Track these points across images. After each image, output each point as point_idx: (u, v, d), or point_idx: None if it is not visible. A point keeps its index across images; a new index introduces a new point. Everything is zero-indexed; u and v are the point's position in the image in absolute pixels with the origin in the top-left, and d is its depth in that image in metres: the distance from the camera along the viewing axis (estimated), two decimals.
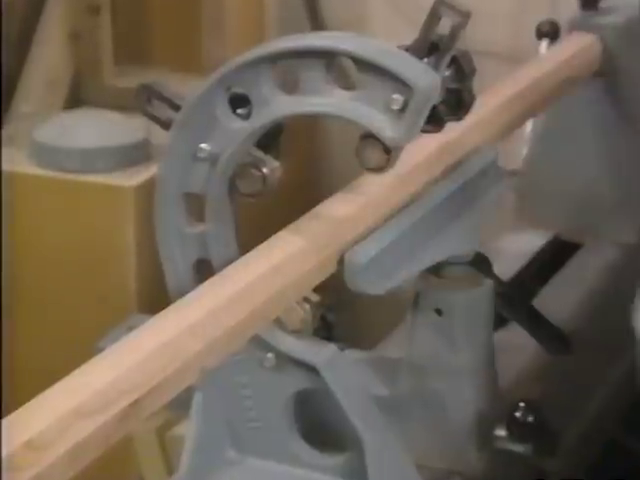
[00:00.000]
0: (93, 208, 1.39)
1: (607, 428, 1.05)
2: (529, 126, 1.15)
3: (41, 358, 1.40)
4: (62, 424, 0.51)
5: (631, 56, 1.11)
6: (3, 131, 1.50)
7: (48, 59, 1.56)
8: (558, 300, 1.01)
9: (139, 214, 1.37)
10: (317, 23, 1.71)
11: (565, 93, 1.03)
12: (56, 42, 1.55)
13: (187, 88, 0.73)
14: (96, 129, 1.43)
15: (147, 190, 1.37)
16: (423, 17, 0.68)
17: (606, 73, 1.09)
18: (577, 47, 1.07)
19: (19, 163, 1.41)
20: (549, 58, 1.06)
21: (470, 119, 0.76)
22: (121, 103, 1.53)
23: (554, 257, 1.10)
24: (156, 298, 1.34)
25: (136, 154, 1.42)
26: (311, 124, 1.66)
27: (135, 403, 0.55)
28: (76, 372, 0.56)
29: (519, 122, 0.97)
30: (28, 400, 0.53)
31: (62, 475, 0.50)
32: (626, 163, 1.11)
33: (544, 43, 1.16)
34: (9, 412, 0.52)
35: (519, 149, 1.18)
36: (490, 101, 0.91)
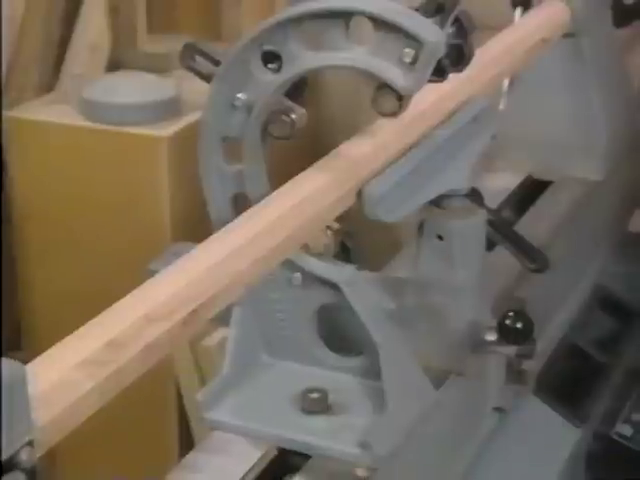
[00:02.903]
0: (132, 155, 1.38)
1: (574, 336, 1.05)
2: (506, 83, 1.13)
3: (90, 282, 1.39)
4: (136, 327, 0.50)
5: (595, 19, 1.09)
6: (56, 90, 1.49)
7: (92, 29, 1.53)
8: (534, 228, 1.00)
9: (171, 160, 1.36)
10: None
11: (539, 52, 1.01)
12: (98, 15, 1.53)
13: None
14: (134, 88, 1.41)
15: (178, 140, 1.36)
16: None
17: (574, 34, 1.08)
18: (549, 13, 1.05)
19: (70, 117, 1.39)
20: (525, 23, 1.04)
21: (465, 73, 0.74)
22: (153, 66, 1.51)
23: (528, 193, 1.09)
24: (187, 231, 1.34)
25: (168, 109, 1.40)
26: (313, 80, 1.64)
27: (194, 312, 0.54)
28: (144, 285, 0.55)
29: (503, 76, 0.95)
30: (78, 319, 0.52)
31: (136, 371, 0.49)
32: (590, 111, 1.10)
33: (518, 11, 1.14)
34: (53, 333, 0.50)
35: (496, 102, 1.16)
36: (479, 59, 0.89)
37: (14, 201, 1.44)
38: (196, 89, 1.36)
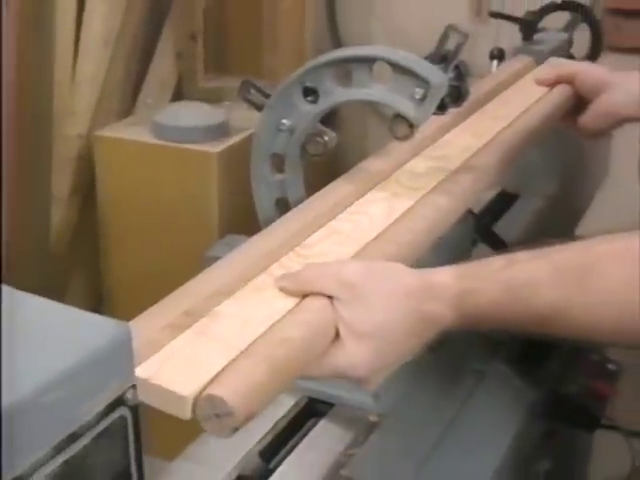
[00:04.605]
0: (190, 166, 1.38)
1: None
2: None
3: (156, 264, 1.39)
4: (207, 300, 0.49)
5: None
6: (133, 115, 1.49)
7: (162, 69, 1.53)
8: (506, 231, 0.98)
9: (220, 171, 1.36)
10: (336, 42, 1.68)
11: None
12: (167, 58, 1.53)
13: None
14: (193, 114, 1.41)
15: (225, 155, 1.36)
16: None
17: None
18: (520, 65, 1.04)
19: (143, 136, 1.39)
20: (503, 72, 1.03)
21: (456, 110, 0.73)
22: (208, 98, 1.51)
23: (502, 204, 1.07)
24: (231, 224, 1.33)
25: (219, 131, 1.40)
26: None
27: None
28: (211, 268, 0.54)
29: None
30: (146, 291, 0.51)
31: None
32: (549, 139, 1.08)
33: (495, 63, 1.13)
34: (126, 303, 0.49)
35: None
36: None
37: (99, 200, 1.43)
38: (241, 117, 1.38)
